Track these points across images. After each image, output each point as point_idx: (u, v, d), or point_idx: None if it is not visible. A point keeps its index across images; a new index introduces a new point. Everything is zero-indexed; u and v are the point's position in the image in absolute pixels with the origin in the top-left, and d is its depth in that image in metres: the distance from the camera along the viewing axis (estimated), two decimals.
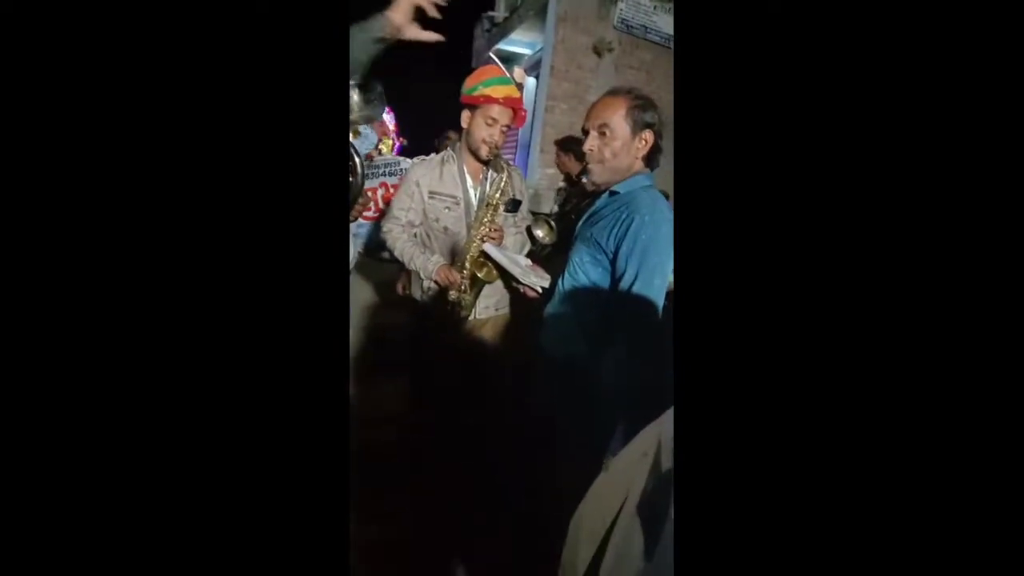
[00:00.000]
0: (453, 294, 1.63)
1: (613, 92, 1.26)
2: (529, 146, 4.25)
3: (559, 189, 2.74)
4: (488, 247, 1.56)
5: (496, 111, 1.57)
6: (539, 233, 1.86)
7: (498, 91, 1.57)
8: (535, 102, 4.20)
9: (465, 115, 1.61)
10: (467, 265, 1.62)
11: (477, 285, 1.67)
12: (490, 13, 5.03)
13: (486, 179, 1.68)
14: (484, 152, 1.60)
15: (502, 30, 4.93)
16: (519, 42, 4.89)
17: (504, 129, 1.60)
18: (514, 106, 1.59)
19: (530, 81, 4.77)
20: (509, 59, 5.10)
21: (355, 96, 1.19)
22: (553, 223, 1.90)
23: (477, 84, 1.57)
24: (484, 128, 1.58)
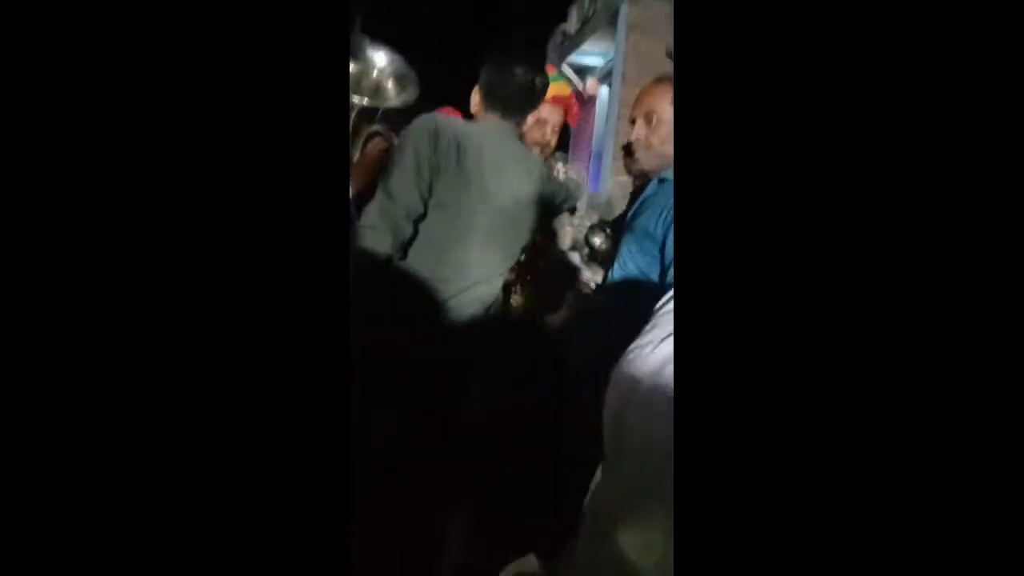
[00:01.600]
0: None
1: (660, 79, 1.23)
2: (602, 155, 4.22)
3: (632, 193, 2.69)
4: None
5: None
6: (596, 241, 1.82)
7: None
8: (608, 111, 4.16)
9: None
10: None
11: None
12: (562, 26, 5.08)
13: None
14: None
15: (574, 42, 4.95)
16: (591, 52, 4.90)
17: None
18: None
19: (603, 90, 4.74)
20: (582, 70, 5.11)
21: (389, 84, 1.26)
22: (610, 231, 1.85)
23: None
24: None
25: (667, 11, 3.84)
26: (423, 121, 1.22)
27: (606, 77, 4.68)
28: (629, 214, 1.32)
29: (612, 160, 4.19)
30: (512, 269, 1.62)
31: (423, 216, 1.25)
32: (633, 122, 1.23)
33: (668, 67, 4.23)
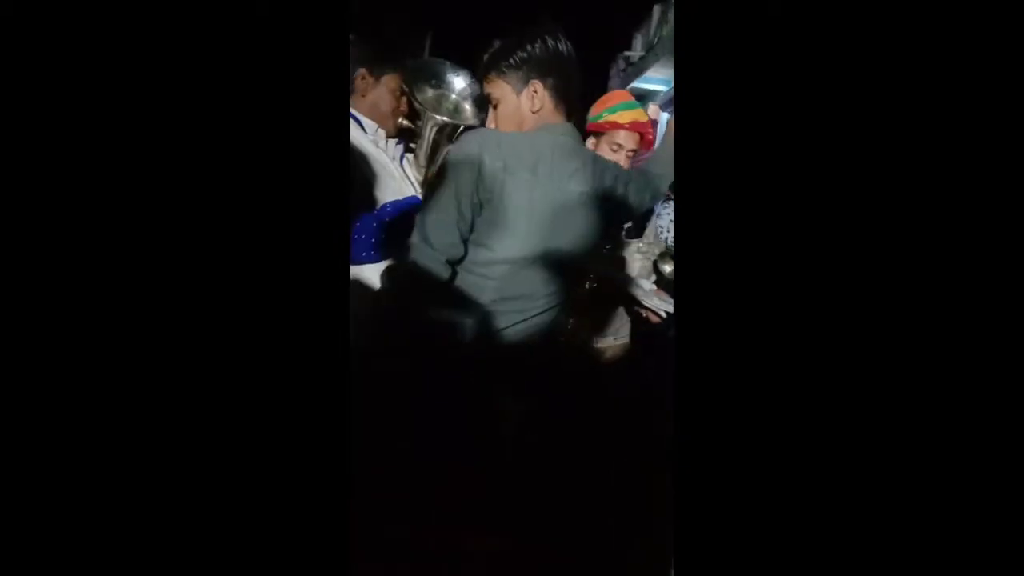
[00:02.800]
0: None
1: None
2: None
3: None
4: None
5: (622, 136, 1.57)
6: (666, 268, 1.79)
7: (624, 116, 1.57)
8: (667, 137, 4.14)
9: (591, 142, 1.63)
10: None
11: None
12: (626, 53, 5.09)
13: None
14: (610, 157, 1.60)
15: (637, 68, 4.95)
16: (654, 79, 4.88)
17: (630, 154, 1.59)
18: (641, 131, 1.58)
19: (663, 116, 4.72)
20: (644, 96, 5.10)
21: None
22: None
23: (603, 111, 1.59)
24: (609, 154, 1.58)
25: None
26: (467, 149, 1.03)
27: (668, 104, 4.65)
28: None
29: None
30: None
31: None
32: None
33: None
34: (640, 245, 1.69)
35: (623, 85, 5.36)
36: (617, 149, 1.58)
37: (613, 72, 5.69)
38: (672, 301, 1.46)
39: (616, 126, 1.56)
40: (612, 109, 1.58)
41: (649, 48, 4.78)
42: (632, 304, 1.56)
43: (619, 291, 1.55)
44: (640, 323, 1.71)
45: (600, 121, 1.58)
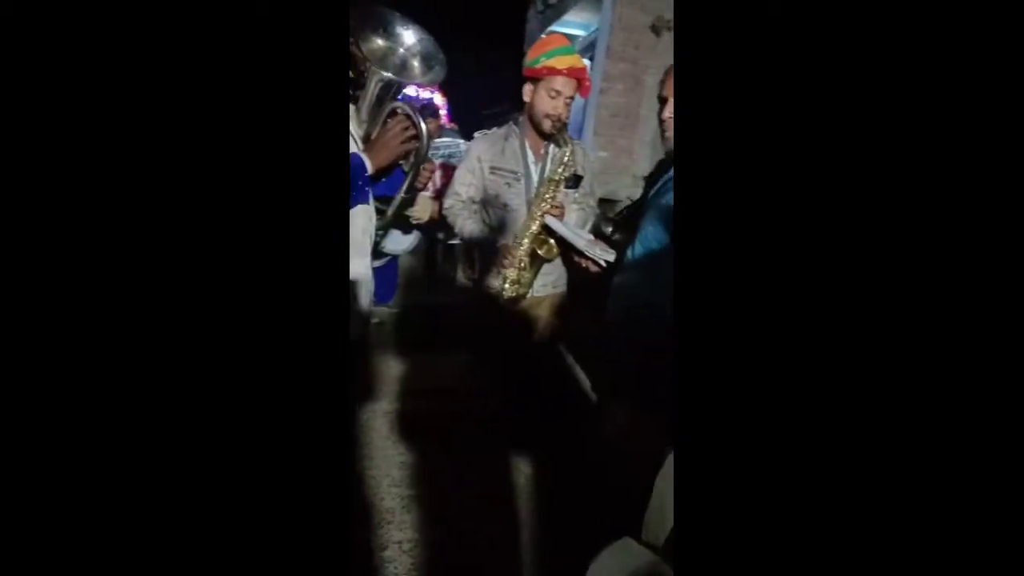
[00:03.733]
0: (512, 272, 1.62)
1: None
2: (582, 128, 4.19)
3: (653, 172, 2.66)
4: (550, 220, 1.54)
5: (560, 83, 1.54)
6: (607, 230, 1.79)
7: (562, 62, 1.53)
8: (592, 83, 4.14)
9: (527, 88, 1.59)
10: (526, 241, 1.60)
11: (537, 263, 1.65)
12: None
13: (547, 154, 1.65)
14: (547, 126, 1.57)
15: (556, 10, 4.86)
16: (573, 23, 4.82)
17: (568, 101, 1.57)
18: (579, 76, 1.55)
19: (584, 62, 4.71)
20: None
21: (415, 62, 1.20)
22: (622, 223, 1.84)
23: (539, 56, 1.54)
24: (547, 101, 1.55)
25: None
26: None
27: (588, 49, 4.63)
28: (652, 191, 1.31)
29: (594, 135, 4.16)
30: (510, 254, 1.60)
31: None
32: (664, 101, 1.21)
33: (652, 41, 4.19)
34: (576, 195, 1.70)
35: (541, 28, 5.23)
36: (555, 95, 1.55)
37: (531, 14, 5.54)
38: (610, 250, 1.49)
39: (554, 71, 1.53)
40: (550, 54, 1.54)
41: None
42: (572, 253, 1.58)
43: (560, 241, 1.56)
44: (577, 272, 1.74)
45: (538, 66, 1.53)
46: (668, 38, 3.81)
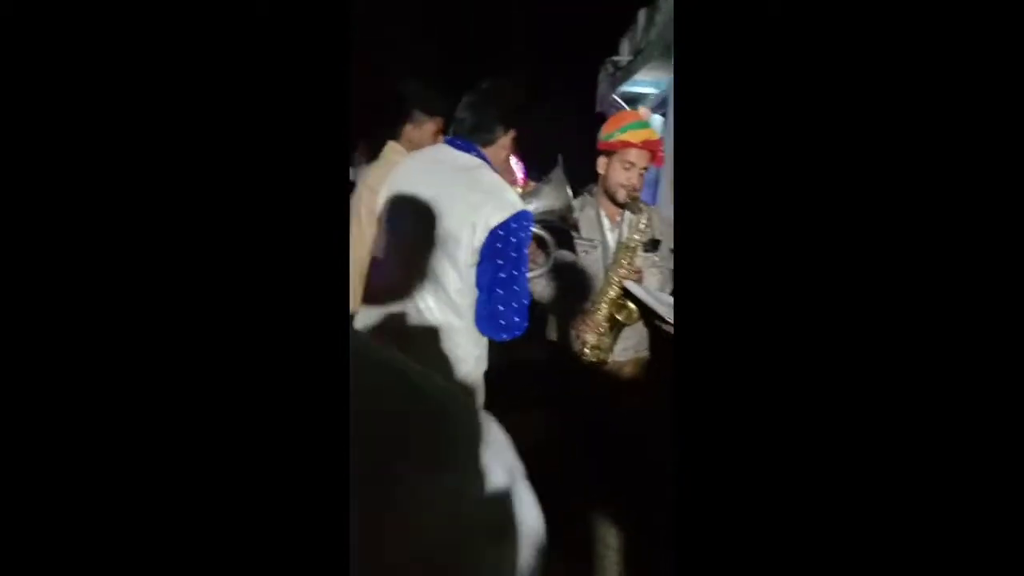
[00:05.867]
0: (591, 337, 1.64)
1: None
2: (657, 182, 4.20)
3: None
4: (630, 284, 1.56)
5: (634, 155, 1.60)
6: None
7: (636, 135, 1.60)
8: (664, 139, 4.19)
9: (602, 161, 1.66)
10: (604, 307, 1.62)
11: (617, 327, 1.66)
12: (614, 58, 5.14)
13: (623, 221, 1.70)
14: (622, 196, 1.62)
15: (626, 72, 5.00)
16: (644, 82, 4.93)
17: (642, 172, 1.62)
18: (652, 148, 1.60)
19: (656, 118, 4.76)
20: (634, 100, 5.14)
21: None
22: None
23: (615, 131, 1.61)
24: (622, 172, 1.61)
25: None
26: None
27: (659, 107, 4.69)
28: None
29: (668, 188, 4.17)
30: (589, 320, 1.62)
31: None
32: None
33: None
34: (655, 258, 1.72)
35: (612, 89, 5.40)
36: (629, 167, 1.61)
37: (602, 77, 5.73)
38: (671, 299, 1.48)
39: (629, 145, 1.59)
40: (624, 128, 1.61)
41: (637, 52, 4.83)
42: (652, 318, 1.58)
43: (640, 305, 1.57)
44: (657, 335, 1.73)
45: (612, 140, 1.61)
46: None
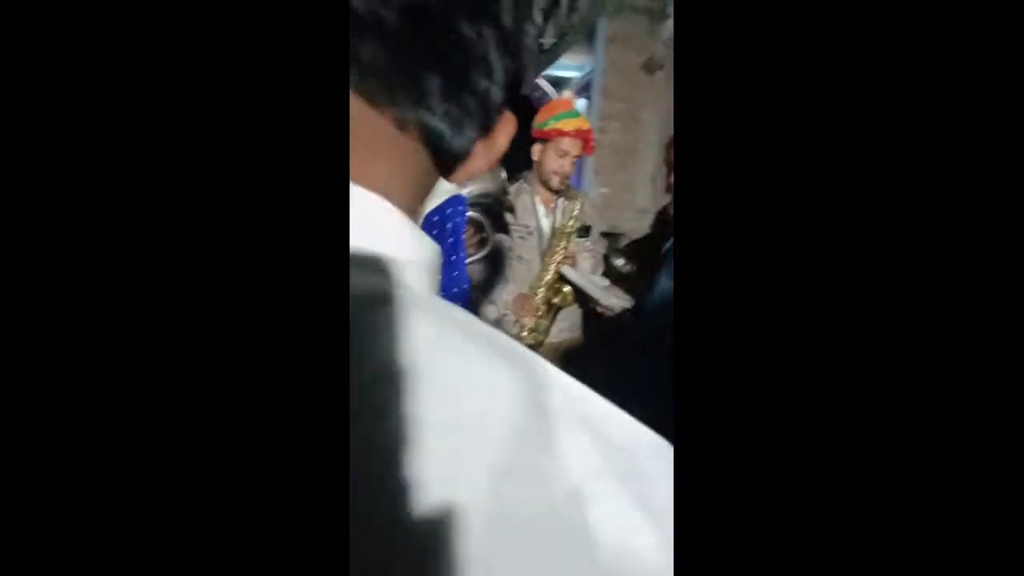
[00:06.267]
0: (529, 320, 1.70)
1: None
2: (581, 166, 4.32)
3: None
4: (566, 269, 1.62)
5: (567, 143, 1.65)
6: (618, 263, 1.92)
7: (569, 124, 1.65)
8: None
9: (536, 148, 1.69)
10: (542, 291, 1.68)
11: (553, 310, 1.73)
12: (538, 40, 5.16)
13: (557, 208, 1.75)
14: (556, 182, 1.67)
15: (550, 55, 5.04)
16: (568, 66, 4.99)
17: (574, 159, 1.68)
18: (585, 138, 1.66)
19: (580, 102, 4.86)
20: (558, 83, 5.21)
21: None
22: (631, 253, 1.96)
23: (548, 119, 1.65)
24: (555, 160, 1.66)
25: (645, 25, 3.94)
26: None
27: (583, 89, 4.78)
28: (666, 246, 1.39)
29: (594, 173, 4.29)
30: (527, 303, 1.67)
31: None
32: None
33: (645, 79, 4.27)
34: (587, 243, 1.79)
35: (537, 73, 5.46)
36: (563, 155, 1.65)
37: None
38: (626, 296, 1.57)
39: (563, 133, 1.64)
40: (558, 117, 1.65)
41: (562, 35, 4.87)
42: (587, 301, 1.66)
43: (575, 288, 1.64)
44: (589, 317, 1.82)
45: (547, 128, 1.64)
46: (660, 76, 3.94)
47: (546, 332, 1.74)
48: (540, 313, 1.70)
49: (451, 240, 1.22)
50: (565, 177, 1.67)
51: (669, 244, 1.40)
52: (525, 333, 1.70)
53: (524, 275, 1.72)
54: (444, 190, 1.21)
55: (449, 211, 1.20)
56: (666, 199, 2.60)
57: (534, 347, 1.72)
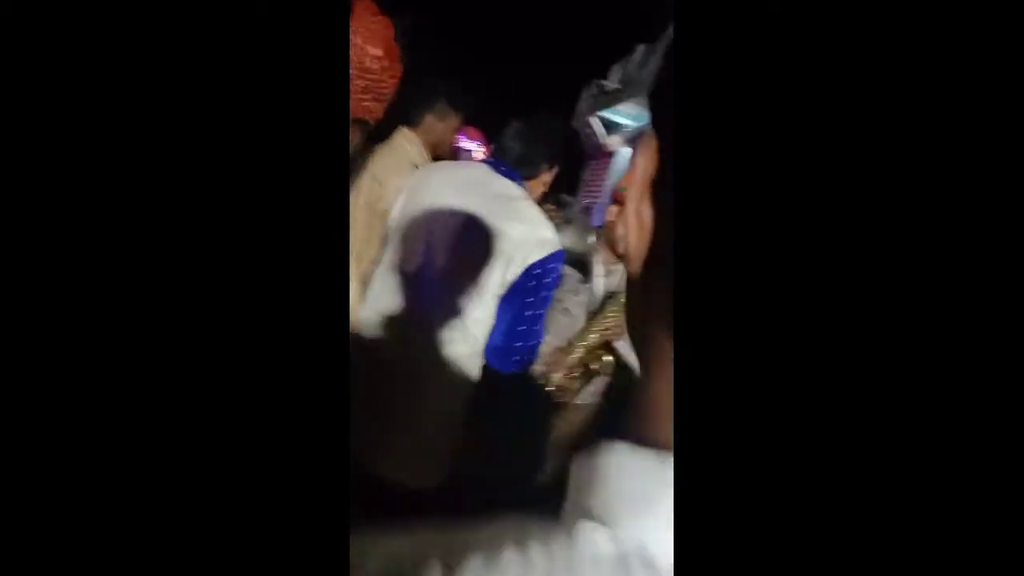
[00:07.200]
0: (558, 378, 1.63)
1: None
2: (605, 206, 4.35)
3: None
4: (620, 344, 1.57)
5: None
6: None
7: None
8: (626, 170, 4.34)
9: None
10: (581, 352, 1.62)
11: (588, 376, 1.67)
12: (601, 81, 5.24)
13: (614, 273, 1.70)
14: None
15: (610, 98, 5.12)
16: (624, 114, 5.07)
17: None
18: None
19: (624, 151, 4.95)
20: (610, 126, 5.28)
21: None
22: None
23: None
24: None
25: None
26: None
27: (632, 140, 4.85)
28: None
29: None
30: (561, 360, 1.61)
31: None
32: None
33: None
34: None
35: (590, 111, 5.53)
36: None
37: (584, 96, 5.81)
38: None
39: None
40: None
41: (626, 82, 4.95)
42: (626, 376, 1.60)
43: (619, 362, 1.58)
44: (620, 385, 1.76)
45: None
46: None
47: (575, 395, 1.67)
48: (575, 374, 1.63)
49: (544, 294, 1.18)
50: None
51: None
52: (552, 388, 1.63)
53: (565, 329, 1.66)
54: (549, 241, 1.16)
55: (551, 266, 1.17)
56: None
57: (558, 406, 1.65)
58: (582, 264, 1.57)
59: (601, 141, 2.03)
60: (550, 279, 1.19)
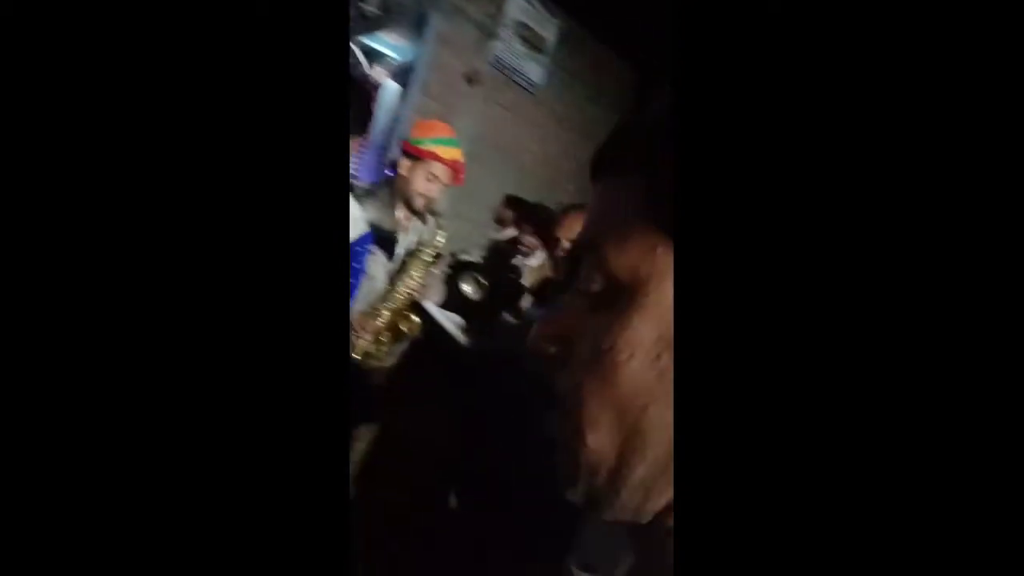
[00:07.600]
0: (365, 344, 1.53)
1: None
2: (379, 148, 3.24)
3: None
4: (428, 304, 1.58)
5: (439, 169, 1.54)
6: (467, 289, 1.60)
7: (447, 152, 1.58)
8: (395, 108, 3.35)
9: (404, 163, 1.56)
10: (387, 314, 1.58)
11: (396, 337, 1.60)
12: (361, 4, 2.99)
13: (410, 230, 1.60)
14: (419, 205, 1.56)
15: (371, 24, 3.23)
16: (387, 43, 3.45)
17: (442, 187, 1.54)
18: (457, 170, 1.59)
19: (390, 85, 3.53)
20: (371, 54, 3.57)
21: None
22: (483, 279, 1.61)
23: (425, 138, 1.55)
24: (424, 183, 1.55)
25: (473, 37, 3.14)
26: None
27: (400, 75, 3.39)
28: None
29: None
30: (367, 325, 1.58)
31: None
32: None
33: (465, 89, 3.49)
34: (435, 272, 1.55)
35: (351, 35, 3.09)
36: (432, 179, 1.56)
37: (354, 14, 2.09)
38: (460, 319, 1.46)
39: (437, 158, 1.54)
40: (437, 141, 1.57)
41: (386, 8, 3.02)
42: (437, 335, 1.57)
43: (425, 320, 1.56)
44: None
45: (423, 147, 1.55)
46: (479, 91, 3.20)
47: (383, 359, 1.61)
48: (383, 339, 1.59)
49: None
50: (430, 202, 1.55)
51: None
52: (359, 356, 1.51)
53: (366, 293, 1.52)
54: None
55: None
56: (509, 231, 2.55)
57: (368, 371, 1.59)
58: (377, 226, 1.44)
59: (365, 72, 2.43)
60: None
